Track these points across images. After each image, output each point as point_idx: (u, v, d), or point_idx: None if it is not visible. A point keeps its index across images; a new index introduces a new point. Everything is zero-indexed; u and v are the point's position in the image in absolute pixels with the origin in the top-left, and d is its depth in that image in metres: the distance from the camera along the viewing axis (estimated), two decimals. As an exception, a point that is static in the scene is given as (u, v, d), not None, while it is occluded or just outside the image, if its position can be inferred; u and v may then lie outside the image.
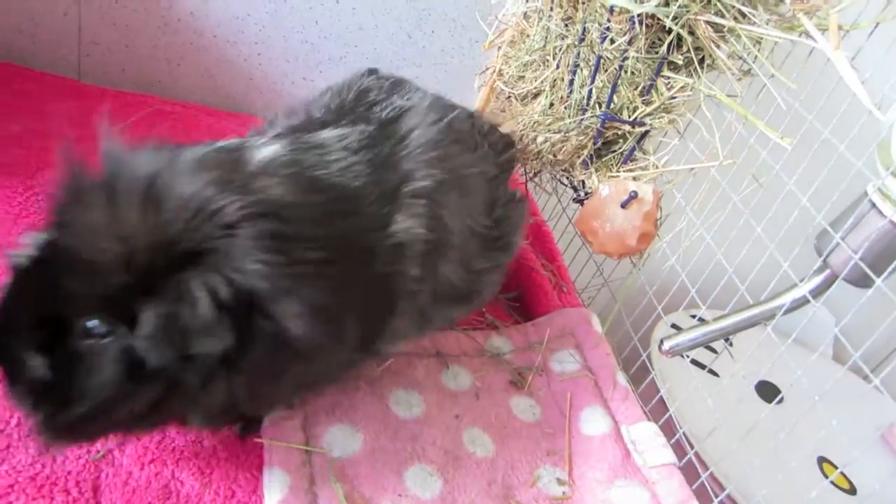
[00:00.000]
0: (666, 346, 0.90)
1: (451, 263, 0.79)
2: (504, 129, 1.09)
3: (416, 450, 0.80)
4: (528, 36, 1.24)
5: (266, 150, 0.66)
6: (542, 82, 1.17)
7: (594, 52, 1.03)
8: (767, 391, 1.26)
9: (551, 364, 0.99)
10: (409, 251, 0.71)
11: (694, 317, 1.30)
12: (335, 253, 0.63)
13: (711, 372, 1.22)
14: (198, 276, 0.55)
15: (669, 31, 0.93)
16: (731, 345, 1.19)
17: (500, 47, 1.35)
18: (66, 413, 0.56)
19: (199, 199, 0.57)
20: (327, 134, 0.73)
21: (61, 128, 1.20)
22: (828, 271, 0.82)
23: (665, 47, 0.95)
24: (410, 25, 1.47)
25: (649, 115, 1.00)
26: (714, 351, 1.26)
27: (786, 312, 0.84)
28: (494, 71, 1.35)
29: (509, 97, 1.27)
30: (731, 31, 0.90)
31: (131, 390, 0.57)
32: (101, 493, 0.64)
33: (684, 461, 0.87)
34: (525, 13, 1.25)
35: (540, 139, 1.14)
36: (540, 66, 1.20)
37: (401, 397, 0.86)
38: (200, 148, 0.64)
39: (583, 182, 1.09)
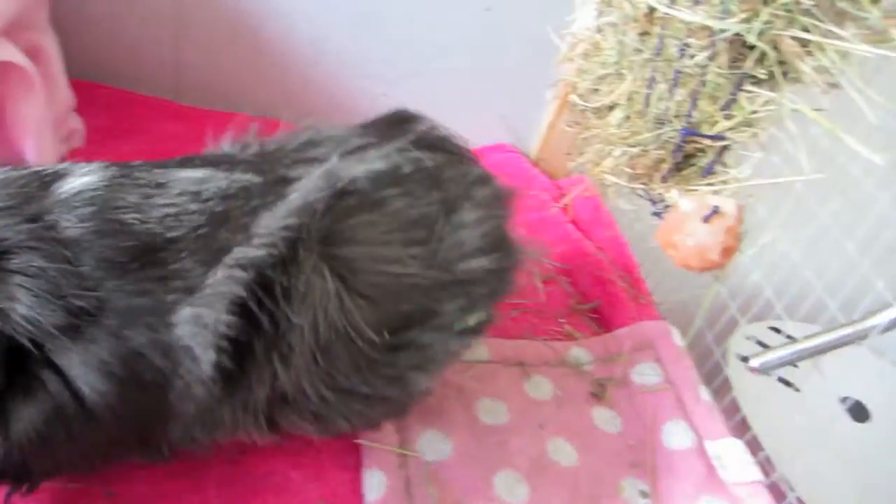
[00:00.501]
0: (754, 363, 0.90)
1: (297, 370, 0.62)
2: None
3: (504, 457, 0.83)
4: (602, 49, 1.25)
5: (79, 181, 0.58)
6: (617, 96, 1.18)
7: (671, 67, 1.03)
8: (857, 411, 1.23)
9: (632, 376, 1.00)
10: (206, 332, 0.57)
11: (777, 330, 1.28)
12: (115, 310, 0.55)
13: (795, 388, 1.20)
14: None
15: (752, 47, 0.93)
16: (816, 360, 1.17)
17: (573, 60, 1.37)
18: None
19: None
20: (184, 174, 0.62)
21: (165, 148, 1.29)
22: (925, 290, 0.81)
23: (747, 62, 0.95)
24: (482, 40, 1.50)
25: (731, 129, 1.00)
26: (796, 366, 1.23)
27: (881, 332, 0.83)
28: (568, 84, 1.37)
29: (584, 110, 1.29)
30: (817, 45, 0.89)
31: None
32: (223, 486, 0.70)
33: (769, 481, 0.87)
34: (599, 27, 1.27)
35: (617, 153, 1.15)
36: (615, 79, 1.22)
37: (487, 406, 0.89)
38: (9, 172, 0.59)
39: (661, 196, 1.10)
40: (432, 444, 0.81)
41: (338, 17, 1.41)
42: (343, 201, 0.65)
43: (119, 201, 0.58)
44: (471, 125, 1.58)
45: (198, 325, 0.57)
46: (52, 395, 0.53)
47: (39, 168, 0.60)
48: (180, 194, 0.60)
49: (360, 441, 0.79)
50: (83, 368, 0.53)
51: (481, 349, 0.96)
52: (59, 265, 0.53)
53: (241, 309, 0.58)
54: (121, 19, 1.37)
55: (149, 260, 0.56)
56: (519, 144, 1.60)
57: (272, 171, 0.66)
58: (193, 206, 0.60)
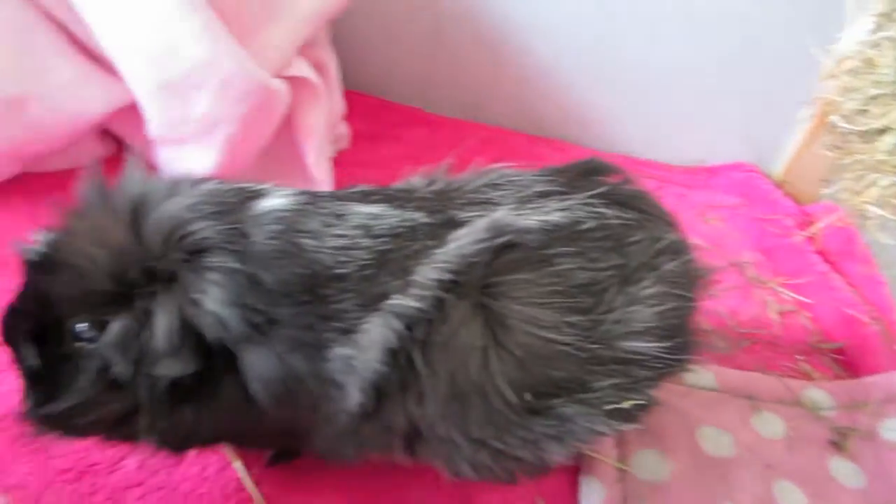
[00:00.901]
0: None
1: (429, 411, 0.63)
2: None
3: (725, 490, 0.80)
4: (876, 66, 1.13)
5: (270, 201, 0.63)
6: (893, 119, 1.06)
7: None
8: None
9: (881, 430, 0.90)
10: (357, 375, 0.60)
11: None
12: (283, 337, 0.59)
13: None
14: (164, 298, 0.57)
15: None
16: None
17: (837, 78, 1.25)
18: (49, 406, 0.59)
19: (174, 220, 0.58)
20: (361, 208, 0.65)
21: (414, 151, 1.42)
22: None
23: None
24: (731, 54, 1.43)
25: None
26: None
27: None
28: (828, 104, 1.26)
29: (846, 133, 1.18)
30: None
31: (104, 398, 0.59)
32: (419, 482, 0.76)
33: None
34: (874, 42, 1.15)
35: (885, 182, 1.04)
36: (890, 100, 1.09)
37: (709, 434, 0.86)
38: (219, 184, 0.65)
39: (938, 234, 0.97)
40: (648, 464, 0.81)
41: (578, 31, 1.45)
42: (506, 254, 0.63)
43: (302, 225, 0.62)
44: (709, 141, 1.54)
45: (349, 365, 0.60)
46: (236, 383, 0.60)
47: (244, 185, 0.66)
48: (356, 227, 0.63)
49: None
50: (250, 376, 0.59)
51: (708, 376, 0.93)
52: (246, 272, 0.57)
53: (392, 357, 0.60)
54: (385, 37, 1.54)
55: (316, 295, 0.60)
56: (761, 164, 1.51)
57: (443, 211, 0.67)
58: (364, 242, 0.62)
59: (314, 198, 0.66)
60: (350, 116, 1.39)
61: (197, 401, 0.60)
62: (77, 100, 1.05)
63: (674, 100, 1.51)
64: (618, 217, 0.68)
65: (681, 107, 1.52)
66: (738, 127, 1.52)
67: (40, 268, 0.59)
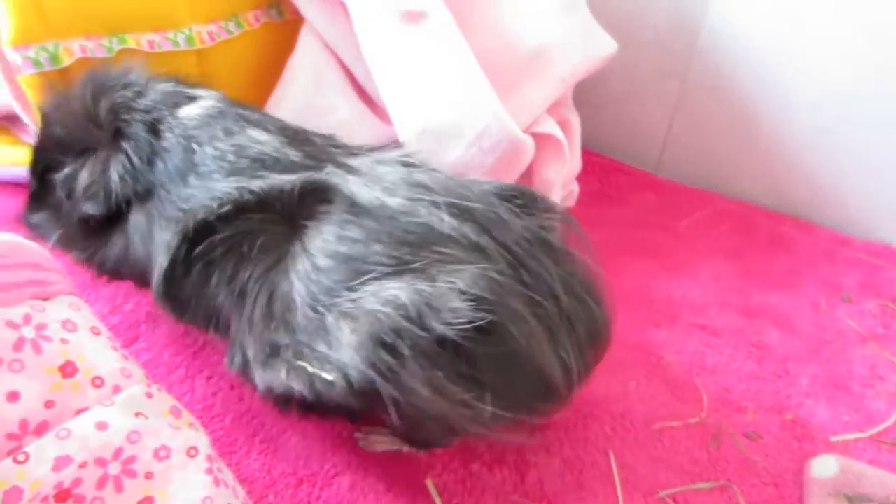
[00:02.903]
0: None
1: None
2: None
3: None
4: None
5: (189, 110, 0.81)
6: None
7: None
8: None
9: None
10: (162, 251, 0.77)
11: None
12: (150, 199, 0.79)
13: None
14: (90, 160, 0.80)
15: None
16: None
17: None
18: (34, 216, 0.89)
19: (116, 106, 0.81)
20: (252, 132, 0.79)
21: (642, 216, 1.38)
22: None
23: None
24: None
25: None
26: None
27: None
28: None
29: None
30: None
31: (64, 213, 0.85)
32: None
33: None
34: None
35: None
36: None
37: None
38: (174, 86, 0.85)
39: None
40: None
41: (843, 108, 1.33)
42: (320, 205, 0.71)
43: (197, 132, 0.79)
44: None
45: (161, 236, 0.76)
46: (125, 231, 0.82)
47: (188, 90, 0.85)
48: (234, 145, 0.77)
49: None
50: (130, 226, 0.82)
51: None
52: (140, 155, 0.79)
53: (182, 247, 0.73)
54: (627, 99, 1.54)
55: (183, 181, 0.76)
56: None
57: (324, 164, 0.76)
58: (230, 157, 0.76)
59: (224, 114, 0.81)
60: (581, 174, 1.39)
61: (102, 235, 0.81)
62: (349, 137, 1.18)
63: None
64: (460, 232, 0.67)
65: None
66: None
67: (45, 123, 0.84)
